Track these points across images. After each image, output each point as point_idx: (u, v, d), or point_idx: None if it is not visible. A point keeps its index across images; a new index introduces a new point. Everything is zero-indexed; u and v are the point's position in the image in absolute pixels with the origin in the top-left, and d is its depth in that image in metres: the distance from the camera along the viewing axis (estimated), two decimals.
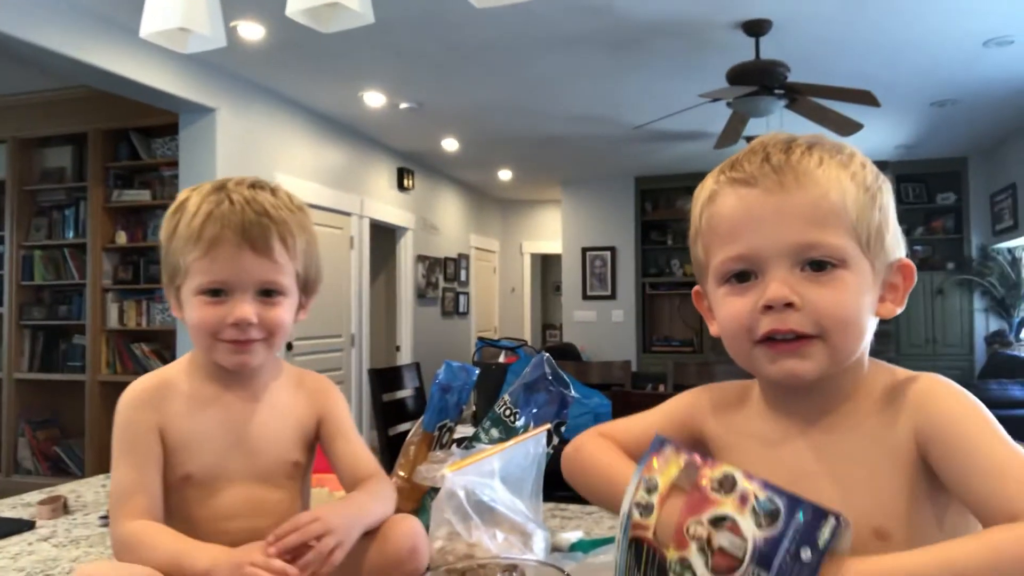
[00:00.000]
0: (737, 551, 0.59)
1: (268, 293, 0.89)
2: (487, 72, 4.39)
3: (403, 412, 3.18)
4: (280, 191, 0.94)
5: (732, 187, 0.69)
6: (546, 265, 10.64)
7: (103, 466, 2.17)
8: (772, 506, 0.60)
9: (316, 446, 1.00)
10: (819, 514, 0.58)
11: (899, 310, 0.70)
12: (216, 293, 0.87)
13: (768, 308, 0.65)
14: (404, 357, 6.54)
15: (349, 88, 4.70)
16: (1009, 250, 6.28)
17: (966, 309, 6.62)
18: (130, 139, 4.83)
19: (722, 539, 0.60)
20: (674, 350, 7.44)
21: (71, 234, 4.97)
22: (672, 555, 0.62)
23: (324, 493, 1.26)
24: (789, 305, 0.64)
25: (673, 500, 0.63)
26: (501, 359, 3.33)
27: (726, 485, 0.63)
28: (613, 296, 7.76)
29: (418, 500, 1.13)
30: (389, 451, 2.95)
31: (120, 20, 3.47)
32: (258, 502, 0.93)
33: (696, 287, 0.79)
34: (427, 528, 0.99)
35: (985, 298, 6.48)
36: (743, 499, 0.62)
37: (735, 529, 0.60)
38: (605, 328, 7.72)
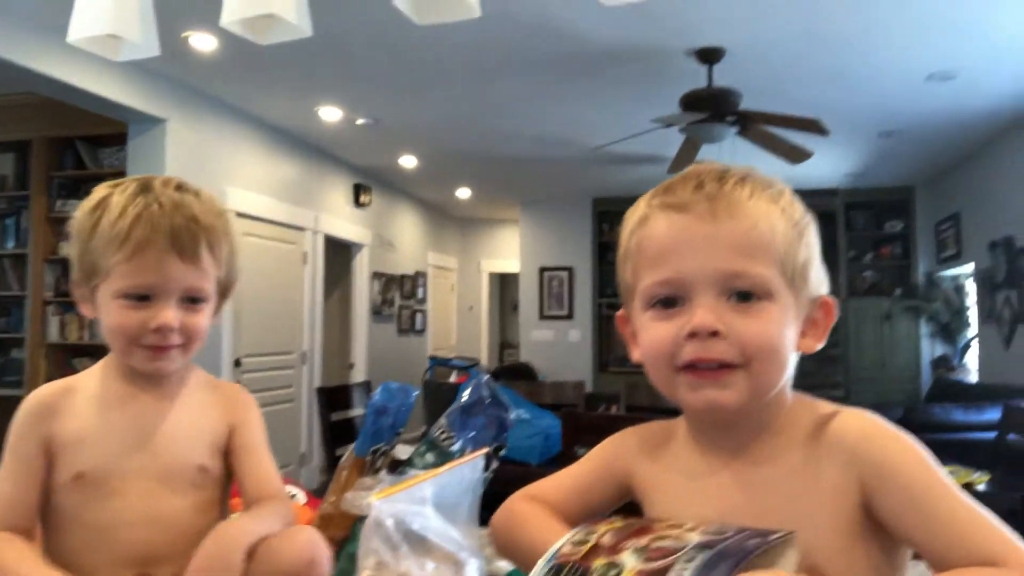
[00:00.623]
0: (677, 546, 0.57)
1: (192, 300, 0.88)
2: (446, 90, 4.38)
3: (352, 432, 3.12)
4: (204, 194, 0.92)
5: (664, 212, 0.69)
6: (504, 284, 10.64)
7: None
8: (721, 527, 0.59)
9: (224, 457, 0.96)
10: (768, 531, 0.57)
11: (819, 346, 0.70)
12: (139, 298, 0.85)
13: (693, 335, 0.65)
14: (358, 375, 6.44)
15: (305, 101, 4.65)
16: (953, 277, 6.46)
17: (913, 334, 6.78)
18: (76, 148, 4.70)
19: (662, 542, 0.59)
20: (630, 371, 7.46)
21: (11, 244, 4.80)
22: (599, 563, 0.59)
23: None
24: (714, 334, 0.64)
25: (613, 533, 0.62)
26: (453, 378, 3.29)
27: (675, 525, 0.62)
28: (570, 316, 7.78)
29: (348, 528, 1.08)
30: (334, 472, 2.89)
31: (65, 26, 3.37)
32: (156, 510, 0.88)
33: (620, 311, 0.78)
34: (355, 557, 0.95)
35: (931, 324, 6.64)
36: (691, 528, 0.61)
37: (679, 538, 0.59)
38: (562, 348, 7.73)
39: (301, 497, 1.41)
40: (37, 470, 0.87)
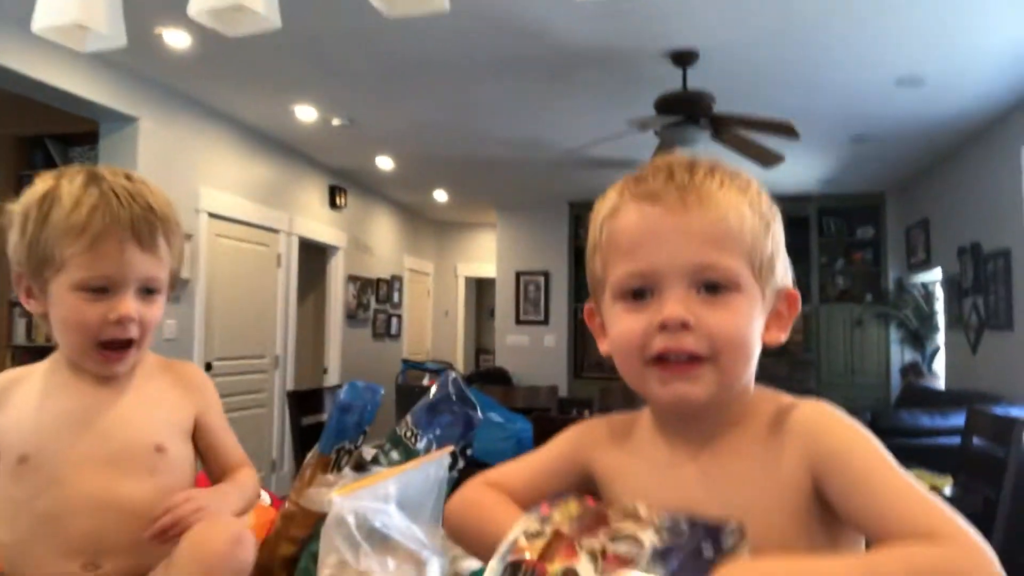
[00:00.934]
0: (633, 554, 0.57)
1: (148, 291, 0.88)
2: (422, 91, 4.37)
3: None
4: (150, 183, 0.91)
5: (635, 203, 0.69)
6: (481, 289, 10.62)
7: None
8: (675, 524, 0.59)
9: (190, 438, 0.95)
10: (719, 525, 0.57)
11: (783, 338, 0.71)
12: (98, 290, 0.84)
13: (663, 327, 0.65)
14: (332, 379, 6.39)
15: (280, 101, 4.61)
16: (923, 284, 6.55)
17: (883, 340, 6.86)
18: (46, 146, 4.62)
19: (619, 547, 0.58)
20: (605, 376, 7.48)
21: (12, 264, 4.70)
22: (555, 567, 0.58)
23: None
24: (684, 325, 0.64)
25: (569, 526, 0.61)
26: (425, 382, 3.27)
27: (630, 513, 0.62)
28: (546, 321, 7.78)
29: (311, 526, 1.07)
30: None
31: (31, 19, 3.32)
32: (108, 496, 0.85)
33: (588, 304, 0.78)
34: (317, 556, 0.94)
35: (901, 330, 6.73)
36: (645, 520, 0.60)
37: (634, 539, 0.58)
38: (537, 353, 7.73)
39: (266, 499, 1.39)
40: None
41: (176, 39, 3.58)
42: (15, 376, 0.91)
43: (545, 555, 0.60)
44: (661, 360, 0.66)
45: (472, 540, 0.78)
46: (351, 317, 6.81)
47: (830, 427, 0.65)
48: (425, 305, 9.06)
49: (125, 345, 0.87)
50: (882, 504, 0.59)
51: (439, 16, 1.61)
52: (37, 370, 0.91)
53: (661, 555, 0.55)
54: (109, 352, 0.86)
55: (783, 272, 0.70)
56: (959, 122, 4.71)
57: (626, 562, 0.56)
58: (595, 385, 6.81)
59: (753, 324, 0.67)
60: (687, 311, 0.64)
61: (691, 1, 3.14)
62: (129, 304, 0.85)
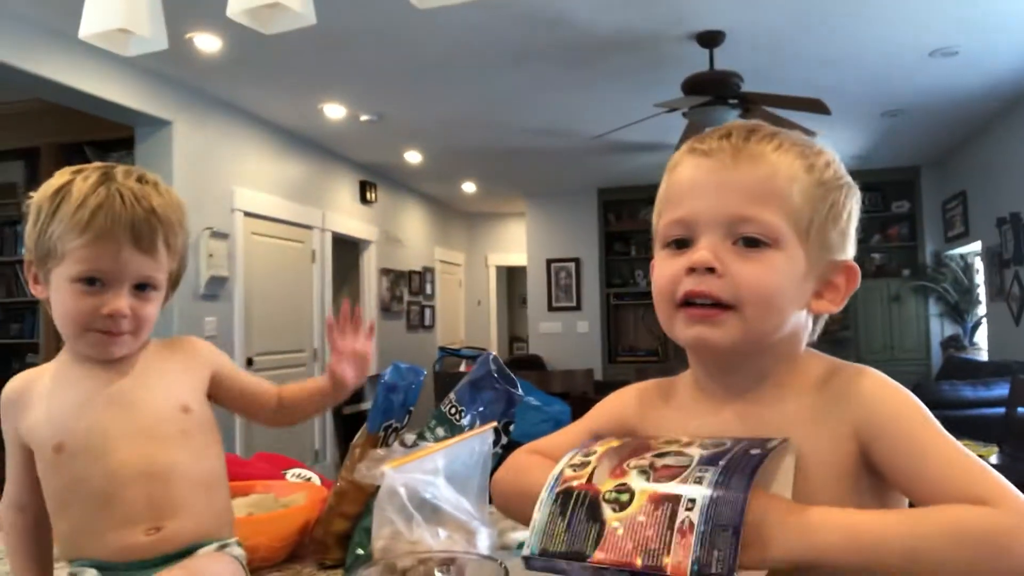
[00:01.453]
0: (682, 463, 0.59)
1: (142, 288, 0.90)
2: (449, 84, 4.41)
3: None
4: (163, 186, 0.94)
5: (691, 156, 0.72)
6: (512, 277, 10.66)
7: None
8: (719, 440, 0.61)
9: (206, 400, 0.98)
10: (765, 438, 0.59)
11: (836, 310, 0.71)
12: (92, 283, 0.87)
13: (691, 271, 0.67)
14: (369, 370, 6.47)
15: (309, 100, 4.68)
16: (961, 256, 6.45)
17: (922, 315, 6.77)
18: (84, 153, 4.74)
19: (666, 460, 0.60)
20: (639, 360, 7.49)
21: (23, 250, 4.85)
22: (607, 486, 0.60)
23: (270, 499, 1.24)
24: (711, 270, 0.66)
25: (613, 453, 0.63)
26: (462, 368, 3.32)
27: (672, 441, 0.64)
28: (578, 307, 7.80)
29: (363, 503, 1.11)
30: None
31: (72, 32, 3.40)
32: (150, 463, 0.88)
33: (653, 260, 0.81)
34: (370, 530, 0.98)
35: (940, 303, 6.63)
36: (688, 444, 0.62)
37: (680, 453, 0.60)
38: (570, 339, 7.75)
39: (316, 480, 1.44)
40: (22, 457, 0.92)
41: (207, 43, 3.66)
42: (29, 377, 0.94)
43: (593, 478, 0.62)
44: (688, 304, 0.68)
45: (522, 503, 0.77)
46: (385, 310, 6.90)
47: (879, 392, 0.66)
48: (457, 295, 9.13)
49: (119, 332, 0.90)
50: (931, 468, 0.60)
51: (463, 8, 1.63)
52: (48, 369, 0.95)
53: (708, 460, 0.57)
54: (101, 334, 0.88)
55: (842, 243, 0.71)
56: (995, 92, 4.62)
57: (675, 471, 0.58)
58: (629, 368, 6.82)
59: (787, 282, 0.67)
60: (716, 258, 0.66)
61: None
62: (121, 301, 0.87)
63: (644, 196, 7.50)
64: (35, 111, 4.56)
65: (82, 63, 3.58)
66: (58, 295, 0.88)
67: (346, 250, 6.51)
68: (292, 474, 1.47)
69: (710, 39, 3.65)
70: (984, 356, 5.93)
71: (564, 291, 7.88)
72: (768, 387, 0.70)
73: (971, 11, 3.43)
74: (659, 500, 0.57)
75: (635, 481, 0.59)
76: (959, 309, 6.38)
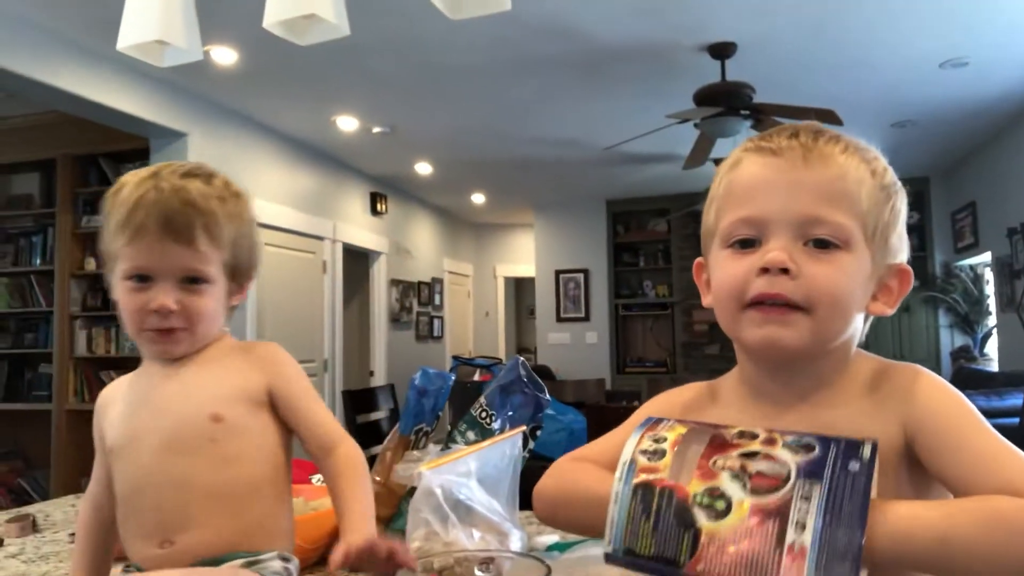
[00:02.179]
0: (779, 472, 0.56)
1: (193, 281, 0.88)
2: (460, 96, 4.44)
3: (378, 434, 3.16)
4: (217, 178, 0.92)
5: (758, 154, 0.71)
6: (520, 289, 10.67)
7: None
8: (804, 441, 0.58)
9: (263, 409, 0.91)
10: (853, 441, 0.57)
11: (890, 312, 0.72)
12: (141, 279, 0.87)
13: (764, 271, 0.66)
14: (378, 382, 6.49)
15: (322, 112, 4.72)
16: (971, 267, 6.44)
17: (932, 325, 6.75)
18: (99, 164, 4.79)
19: (759, 465, 0.56)
20: (647, 371, 7.48)
21: (38, 261, 4.90)
22: (696, 487, 0.57)
23: (300, 502, 1.25)
24: (784, 271, 0.66)
25: (688, 445, 0.61)
26: (476, 377, 3.32)
27: (747, 435, 0.60)
28: (587, 318, 7.80)
29: (395, 505, 1.13)
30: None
31: (90, 44, 3.47)
32: (167, 472, 0.85)
33: (699, 259, 0.79)
34: (403, 533, 0.99)
35: (950, 314, 6.61)
36: (770, 441, 0.59)
37: (770, 457, 0.57)
38: (579, 350, 7.75)
39: None
40: (103, 458, 0.94)
41: (223, 56, 3.70)
42: (120, 381, 0.96)
43: (675, 474, 0.58)
44: (757, 304, 0.67)
45: (571, 509, 0.75)
46: (395, 320, 6.92)
47: (925, 387, 0.66)
48: (466, 306, 9.14)
49: (170, 330, 0.88)
50: (970, 459, 0.61)
51: (477, 19, 1.65)
52: (133, 373, 0.96)
53: (808, 474, 0.55)
54: (155, 332, 0.87)
55: (898, 247, 0.71)
56: (1004, 102, 4.63)
57: (773, 482, 0.55)
58: (639, 379, 6.82)
59: (857, 285, 0.67)
60: (789, 258, 0.66)
61: None
62: (166, 296, 0.86)
63: (653, 207, 7.54)
64: (51, 123, 4.61)
65: (99, 75, 3.62)
66: (118, 296, 0.89)
67: (356, 261, 6.53)
68: (317, 479, 1.48)
69: (722, 50, 3.68)
70: (995, 367, 5.91)
71: (573, 302, 7.89)
72: (824, 389, 0.70)
73: (981, 21, 3.45)
74: (764, 515, 0.54)
75: (730, 487, 0.56)
76: (969, 320, 6.37)
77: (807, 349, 0.67)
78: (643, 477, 0.60)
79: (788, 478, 0.55)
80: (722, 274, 0.70)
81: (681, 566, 0.55)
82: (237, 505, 0.86)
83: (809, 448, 0.57)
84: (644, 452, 0.61)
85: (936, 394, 0.66)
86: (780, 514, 0.54)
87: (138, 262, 0.86)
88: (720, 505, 0.55)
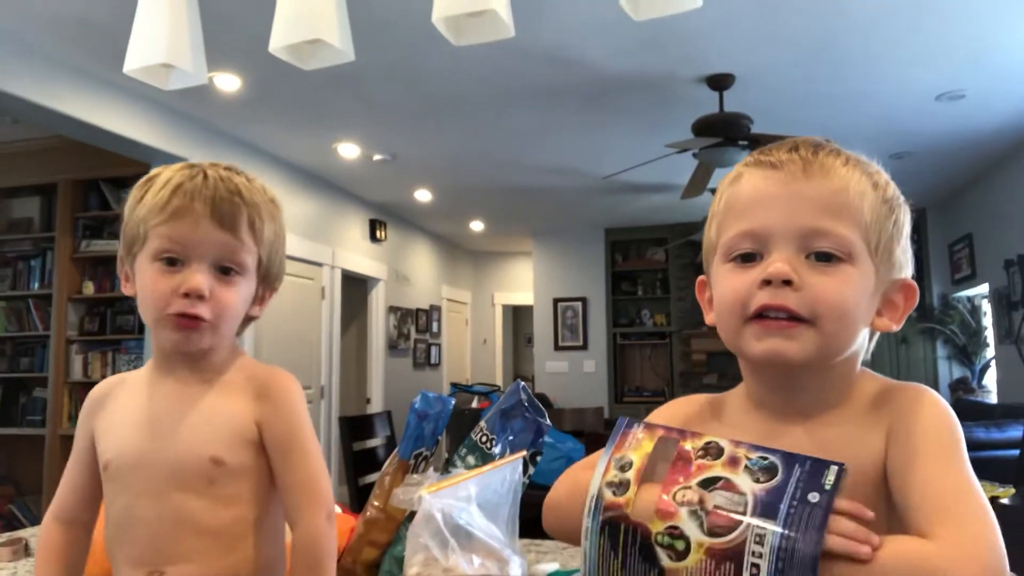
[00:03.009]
0: (736, 507, 0.56)
1: (226, 271, 0.86)
2: (460, 124, 4.48)
3: (374, 461, 3.14)
4: (256, 180, 0.91)
5: (758, 168, 0.71)
6: (518, 317, 10.66)
7: None
8: (767, 462, 0.57)
9: (261, 449, 0.87)
10: (819, 463, 0.56)
11: (895, 328, 0.70)
12: (172, 263, 0.84)
13: (767, 283, 0.66)
14: (375, 408, 6.45)
15: (323, 139, 4.75)
16: (968, 298, 6.45)
17: (929, 357, 6.75)
18: (100, 189, 4.81)
19: (716, 498, 0.57)
20: (645, 400, 7.45)
21: (36, 285, 4.89)
22: (657, 526, 0.58)
23: None
24: (788, 283, 0.65)
25: (652, 469, 0.61)
26: (474, 404, 3.31)
27: (712, 451, 0.60)
28: (585, 347, 7.79)
29: (393, 532, 1.11)
30: (359, 501, 2.89)
31: (93, 70, 3.50)
32: (166, 506, 0.83)
33: (701, 277, 0.78)
34: (402, 559, 0.97)
35: (947, 346, 6.61)
36: (733, 461, 0.58)
37: (729, 486, 0.57)
38: (577, 378, 7.72)
39: (337, 509, 1.44)
40: (88, 463, 0.90)
41: (226, 82, 3.73)
42: (119, 379, 0.93)
43: (637, 510, 0.59)
44: (761, 317, 0.66)
45: (575, 521, 0.74)
46: (392, 347, 6.90)
47: (917, 404, 0.65)
48: (464, 334, 9.13)
49: (195, 320, 0.84)
50: (919, 482, 0.59)
51: (478, 48, 1.66)
52: (139, 371, 0.93)
53: (766, 510, 0.55)
54: (179, 318, 0.83)
55: (903, 262, 0.70)
56: (1001, 134, 4.68)
57: (731, 522, 0.55)
58: (637, 408, 6.79)
59: (861, 298, 0.66)
60: (793, 270, 0.65)
61: (727, 27, 3.19)
62: (200, 277, 0.83)
63: (651, 236, 7.57)
64: (52, 147, 4.64)
65: (102, 100, 3.65)
66: (141, 279, 0.85)
67: (355, 287, 6.53)
68: None
69: (720, 82, 3.72)
70: (993, 399, 5.89)
71: (571, 330, 7.88)
72: (827, 406, 0.69)
73: (978, 54, 3.50)
74: (720, 558, 0.55)
75: (688, 526, 0.57)
76: (967, 351, 6.36)
77: (811, 362, 0.66)
78: (609, 515, 0.61)
79: (744, 512, 0.55)
80: (724, 288, 0.70)
81: None
82: (231, 542, 0.85)
83: (771, 471, 0.56)
84: (610, 485, 0.62)
85: (924, 411, 0.64)
86: (735, 558, 0.55)
87: (173, 239, 0.83)
88: (680, 545, 0.57)
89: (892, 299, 0.70)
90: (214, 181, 0.85)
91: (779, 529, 0.54)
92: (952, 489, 0.58)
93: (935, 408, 0.65)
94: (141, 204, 0.86)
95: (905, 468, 0.61)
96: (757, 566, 0.53)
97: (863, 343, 0.70)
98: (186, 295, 0.83)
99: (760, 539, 0.54)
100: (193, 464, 0.83)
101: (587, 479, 0.71)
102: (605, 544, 0.60)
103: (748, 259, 0.68)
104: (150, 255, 0.85)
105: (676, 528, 0.57)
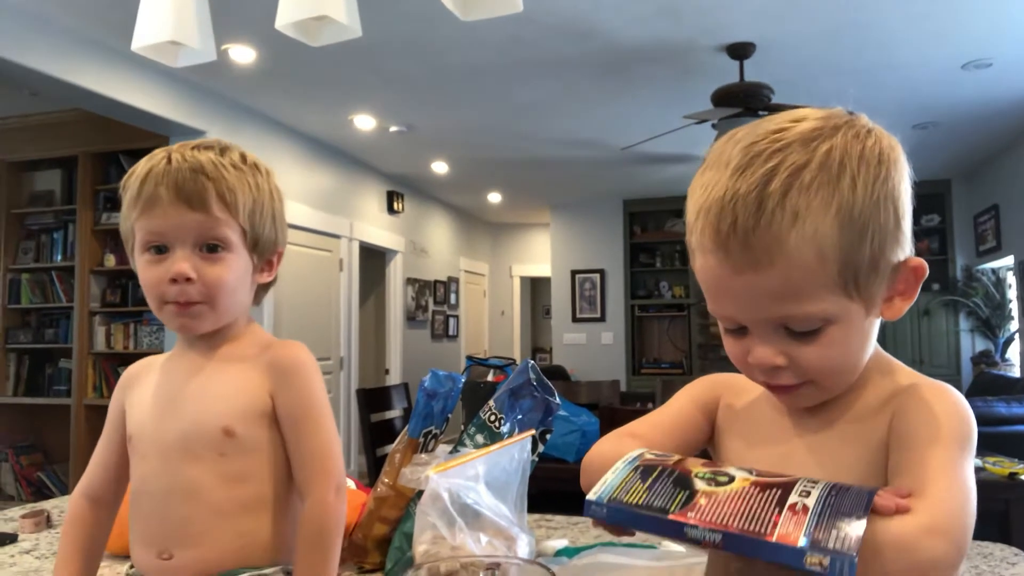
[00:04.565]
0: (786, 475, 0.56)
1: (212, 249, 0.86)
2: (476, 95, 4.44)
3: (391, 433, 3.17)
4: (232, 150, 0.90)
5: (702, 254, 0.65)
6: (536, 288, 10.67)
7: None
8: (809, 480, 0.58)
9: (274, 423, 0.87)
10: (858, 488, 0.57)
11: (908, 305, 0.67)
12: (158, 251, 0.85)
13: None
14: (393, 380, 6.52)
15: (339, 111, 4.74)
16: (993, 270, 6.35)
17: (952, 330, 6.67)
18: (120, 162, 4.84)
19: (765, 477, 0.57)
20: (663, 372, 7.45)
21: (59, 257, 4.96)
22: (700, 469, 0.57)
23: None
24: (776, 367, 0.64)
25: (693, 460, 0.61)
26: (490, 378, 3.33)
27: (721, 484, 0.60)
28: (603, 318, 7.78)
29: (403, 508, 1.12)
30: (377, 472, 2.93)
31: (111, 43, 3.50)
32: (175, 478, 0.83)
33: None
34: (412, 536, 0.99)
35: (971, 319, 6.53)
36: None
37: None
38: (595, 350, 7.73)
39: (352, 485, 1.46)
40: (117, 441, 0.91)
41: (242, 55, 3.72)
42: (149, 361, 0.95)
43: (680, 463, 0.59)
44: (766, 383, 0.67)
45: None
46: (410, 319, 6.93)
47: (926, 400, 0.63)
48: (482, 305, 9.15)
49: (189, 303, 0.86)
50: (905, 462, 0.59)
51: (495, 19, 1.64)
52: (165, 355, 0.95)
53: (812, 480, 0.55)
54: (176, 306, 0.85)
55: (895, 252, 0.63)
56: None
57: (781, 475, 0.56)
58: (654, 380, 6.79)
59: (853, 344, 0.64)
60: (776, 354, 0.63)
61: None
62: (181, 263, 0.84)
63: (670, 208, 7.50)
64: (73, 121, 4.67)
65: (120, 74, 3.66)
66: (138, 272, 0.88)
67: (373, 259, 6.56)
68: None
69: (740, 51, 3.65)
70: (1016, 372, 5.83)
71: (588, 302, 7.87)
72: (837, 402, 0.68)
73: (1004, 22, 3.40)
74: (767, 486, 0.54)
75: (736, 472, 0.57)
76: (991, 324, 6.29)
77: (824, 399, 0.67)
78: (648, 458, 0.60)
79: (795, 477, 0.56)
80: (728, 350, 0.69)
81: (668, 513, 0.53)
82: (241, 523, 0.84)
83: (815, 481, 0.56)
84: (652, 452, 0.62)
85: (927, 405, 0.63)
86: (784, 486, 0.53)
87: (151, 230, 0.85)
88: (723, 479, 0.56)
89: (899, 286, 0.66)
90: (177, 163, 0.85)
91: (830, 485, 0.54)
92: (937, 482, 0.57)
93: (945, 407, 0.63)
94: (124, 202, 0.88)
95: (897, 448, 0.61)
96: (808, 493, 0.52)
97: (872, 342, 0.68)
98: (174, 281, 0.84)
99: (813, 483, 0.54)
100: (204, 434, 0.84)
101: (620, 446, 0.69)
102: (634, 475, 0.58)
103: (735, 331, 0.67)
104: (140, 248, 0.87)
105: (722, 471, 0.57)
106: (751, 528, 0.50)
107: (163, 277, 0.84)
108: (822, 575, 0.47)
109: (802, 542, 0.48)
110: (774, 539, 0.49)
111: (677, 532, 0.52)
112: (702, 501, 0.53)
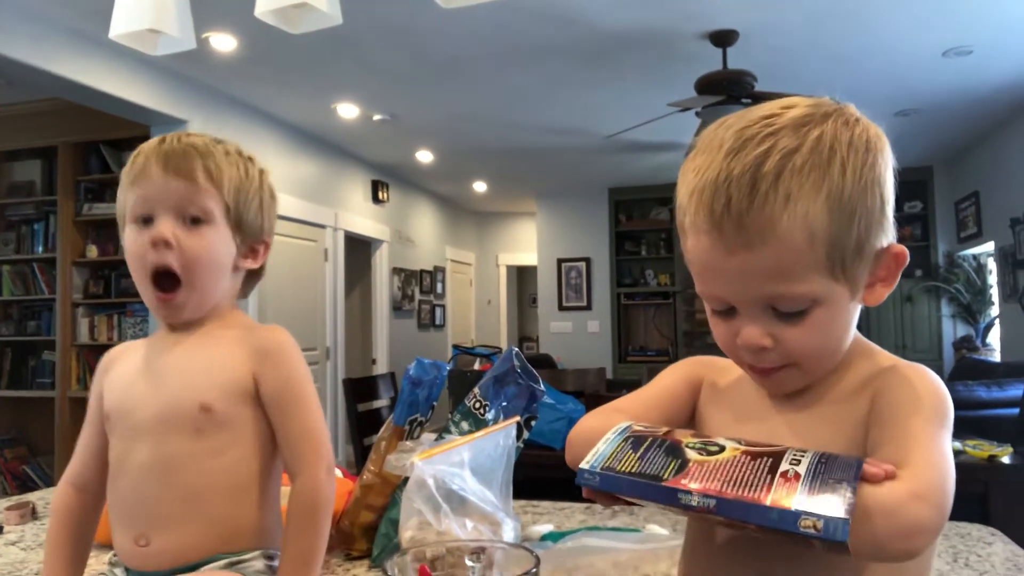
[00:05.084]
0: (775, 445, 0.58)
1: (195, 221, 0.87)
2: (461, 83, 4.43)
3: (378, 422, 3.17)
4: (227, 142, 0.92)
5: (695, 234, 0.66)
6: (522, 277, 10.67)
7: None
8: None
9: (255, 402, 0.87)
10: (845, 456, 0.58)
11: (888, 292, 0.68)
12: (145, 222, 0.87)
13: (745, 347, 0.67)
14: (380, 369, 6.52)
15: (322, 100, 4.71)
16: (974, 256, 6.42)
17: (934, 315, 6.75)
18: (100, 152, 4.79)
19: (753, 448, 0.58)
20: (649, 359, 7.49)
21: (40, 248, 4.91)
22: (690, 439, 0.58)
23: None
24: (763, 348, 0.65)
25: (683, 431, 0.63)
26: (476, 366, 3.34)
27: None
28: (589, 307, 7.81)
29: (389, 495, 1.13)
30: (364, 461, 2.93)
31: (90, 32, 3.46)
32: (152, 454, 0.82)
33: None
34: (398, 522, 0.99)
35: (952, 304, 6.61)
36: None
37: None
38: (581, 339, 7.76)
39: (338, 473, 1.46)
40: (99, 426, 0.91)
41: (223, 43, 3.69)
42: (128, 345, 0.95)
43: (670, 434, 0.60)
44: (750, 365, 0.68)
45: None
46: (397, 308, 6.93)
47: (907, 377, 0.65)
48: (468, 295, 9.15)
49: (172, 284, 0.86)
50: (888, 435, 0.61)
51: (478, 7, 1.64)
52: (144, 339, 0.95)
53: (801, 448, 0.57)
54: (159, 291, 0.86)
55: (878, 239, 0.65)
56: (1009, 92, 4.60)
57: (769, 445, 0.57)
58: (640, 368, 6.82)
59: (838, 326, 0.66)
60: (763, 335, 0.64)
61: None
62: (163, 227, 0.85)
63: (655, 196, 7.52)
64: (52, 110, 4.61)
65: (99, 62, 3.61)
66: (125, 247, 0.89)
67: (358, 249, 6.54)
68: None
69: (723, 38, 3.65)
70: (997, 357, 5.90)
71: (575, 291, 7.89)
72: (817, 385, 0.70)
73: (985, 10, 3.43)
74: (757, 455, 0.55)
75: (726, 442, 0.58)
76: (972, 310, 6.36)
77: (807, 383, 0.69)
78: (638, 429, 0.61)
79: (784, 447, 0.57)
80: (715, 333, 0.70)
81: (663, 480, 0.55)
82: (219, 508, 0.83)
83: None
84: (641, 424, 0.63)
85: (906, 386, 0.64)
86: (774, 455, 0.55)
87: (140, 199, 0.87)
88: (713, 448, 0.57)
89: (880, 275, 0.67)
90: (170, 140, 0.89)
91: (819, 453, 0.55)
92: (921, 438, 0.59)
93: (921, 387, 0.64)
94: (121, 183, 0.90)
95: (880, 424, 0.62)
96: (798, 461, 0.54)
97: (853, 332, 0.70)
98: (154, 246, 0.85)
99: (802, 451, 0.56)
100: (181, 409, 0.83)
101: (607, 419, 0.69)
102: (625, 445, 0.59)
103: (723, 312, 0.68)
104: (130, 220, 0.88)
105: (712, 440, 0.58)
106: (745, 494, 0.52)
107: (146, 244, 0.86)
108: (816, 537, 0.49)
109: (796, 506, 0.50)
110: (768, 503, 0.51)
111: (671, 498, 0.54)
112: (695, 469, 0.55)
